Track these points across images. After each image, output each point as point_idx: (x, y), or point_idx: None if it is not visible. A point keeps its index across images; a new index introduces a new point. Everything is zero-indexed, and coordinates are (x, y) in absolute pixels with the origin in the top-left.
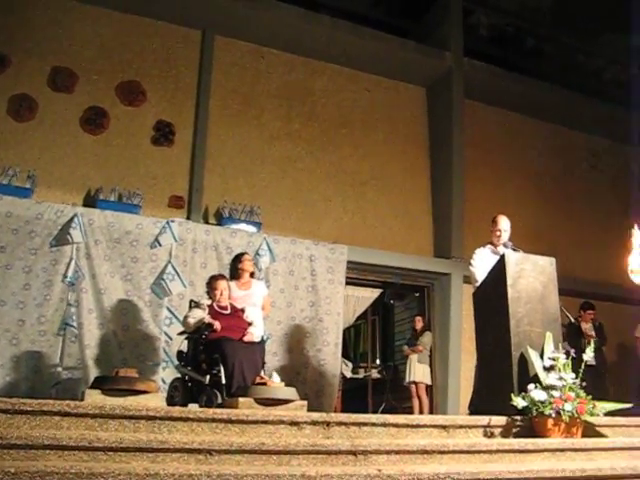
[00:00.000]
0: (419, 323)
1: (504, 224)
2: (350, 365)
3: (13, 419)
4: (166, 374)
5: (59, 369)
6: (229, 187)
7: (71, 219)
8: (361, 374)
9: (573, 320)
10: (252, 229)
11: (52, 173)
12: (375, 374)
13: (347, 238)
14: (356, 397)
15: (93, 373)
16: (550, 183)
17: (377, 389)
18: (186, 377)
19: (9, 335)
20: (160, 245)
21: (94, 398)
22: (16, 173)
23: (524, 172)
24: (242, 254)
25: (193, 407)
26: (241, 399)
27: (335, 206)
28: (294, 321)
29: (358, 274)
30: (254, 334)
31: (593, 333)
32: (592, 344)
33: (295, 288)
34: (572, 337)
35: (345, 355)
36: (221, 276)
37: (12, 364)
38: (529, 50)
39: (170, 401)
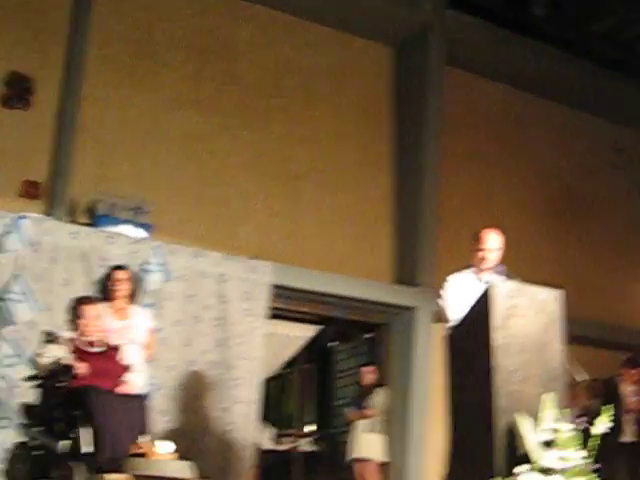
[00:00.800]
0: (369, 376)
1: (493, 242)
2: (271, 432)
3: None
4: (5, 437)
5: None
6: (108, 172)
7: None
8: (286, 445)
9: (582, 377)
10: (139, 233)
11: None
12: (306, 446)
13: (273, 252)
14: (279, 477)
15: None
16: (558, 187)
17: (309, 466)
18: (34, 442)
19: None
20: (3, 251)
21: None
22: None
23: (523, 171)
24: (117, 268)
25: None
26: (113, 477)
27: (258, 207)
28: (193, 367)
29: (287, 304)
30: (133, 383)
31: (635, 400)
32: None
33: (196, 320)
34: (603, 401)
35: (264, 418)
36: (90, 299)
37: None
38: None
39: (10, 477)
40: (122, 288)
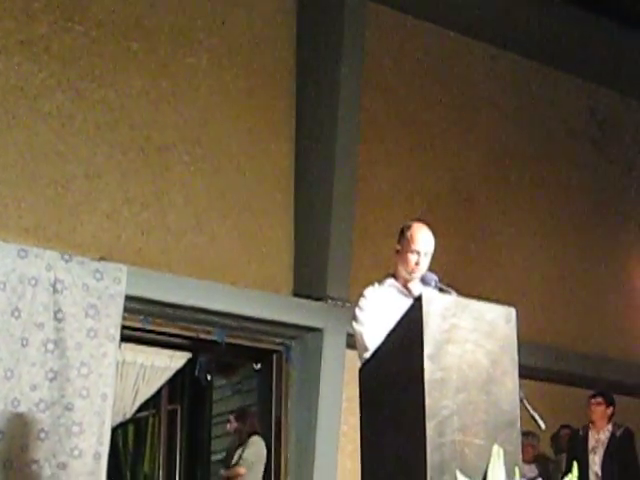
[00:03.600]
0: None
1: (424, 242)
2: None
3: None
4: None
5: None
6: None
7: None
8: None
9: (542, 426)
10: None
11: None
12: None
13: (128, 252)
14: None
15: None
16: (518, 170)
17: None
18: None
19: None
20: None
21: None
22: None
23: (471, 147)
24: None
25: None
26: None
27: (108, 189)
28: (17, 408)
29: (147, 323)
30: None
31: (602, 450)
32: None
33: (22, 343)
34: (573, 454)
35: (114, 477)
36: None
37: None
38: None
39: None
40: None
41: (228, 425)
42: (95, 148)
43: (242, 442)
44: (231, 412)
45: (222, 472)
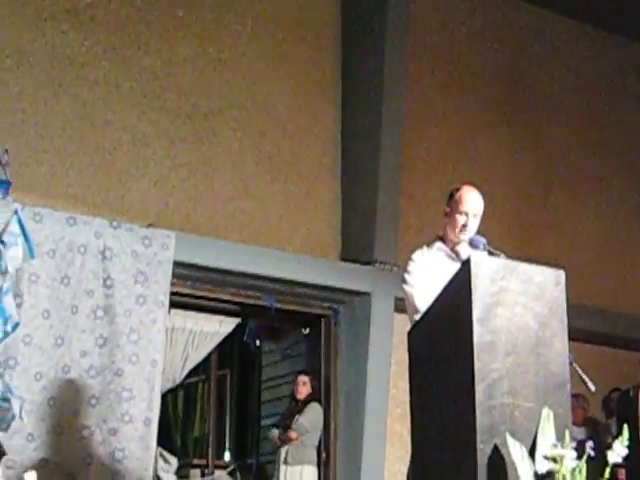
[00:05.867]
0: (303, 388)
1: (473, 203)
2: (174, 462)
3: None
4: None
5: None
6: None
7: None
8: (195, 479)
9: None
10: None
11: None
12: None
13: (177, 219)
14: None
15: None
16: (571, 132)
17: None
18: None
19: None
20: None
21: None
22: None
23: (520, 109)
24: None
25: None
26: None
27: (155, 156)
28: (68, 374)
29: (196, 289)
30: None
31: None
32: None
33: (72, 310)
34: (623, 417)
35: (165, 442)
36: None
37: None
38: None
39: None
40: None
41: (295, 388)
42: (142, 115)
43: (303, 407)
44: (300, 372)
45: (275, 436)
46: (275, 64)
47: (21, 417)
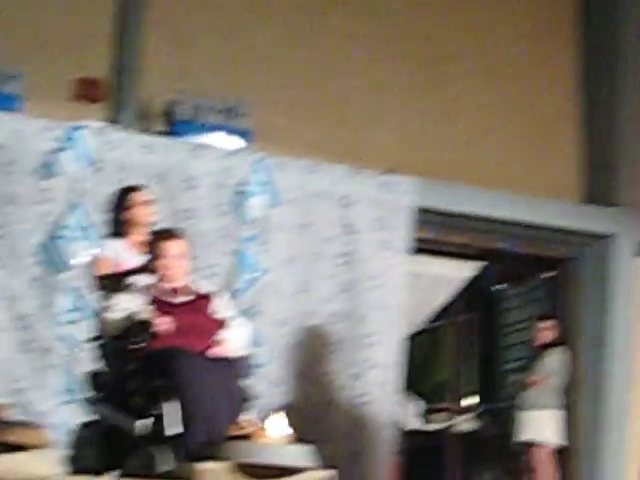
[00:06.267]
0: (547, 332)
1: None
2: (418, 407)
3: None
4: (68, 415)
5: None
6: (190, 63)
7: None
8: (438, 424)
9: None
10: (233, 143)
11: None
12: (464, 424)
13: (415, 164)
14: (428, 466)
15: None
16: None
17: (467, 451)
18: (105, 421)
19: None
20: (58, 173)
21: None
22: None
23: None
24: (133, 189)
25: (116, 478)
26: (204, 465)
27: (393, 103)
28: (311, 320)
29: (437, 233)
30: (232, 343)
31: None
32: None
33: (314, 257)
34: None
35: (408, 387)
36: (172, 233)
37: None
38: None
39: (75, 465)
40: (139, 216)
41: (535, 333)
42: (379, 62)
43: (546, 352)
44: (541, 317)
45: (516, 380)
46: (510, 6)
47: (267, 363)
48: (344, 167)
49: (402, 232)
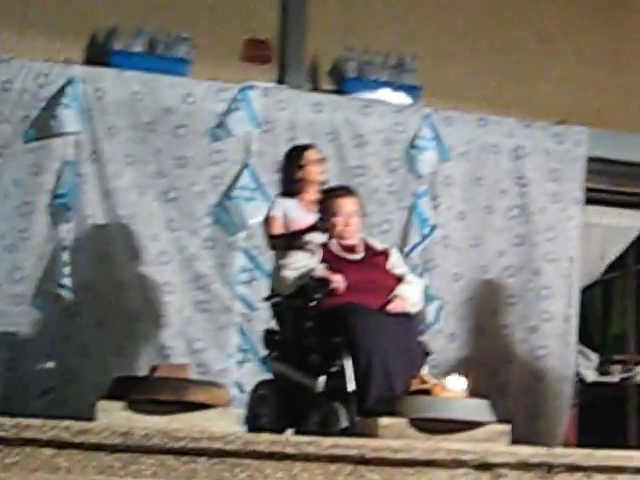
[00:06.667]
0: None
1: None
2: (594, 359)
3: None
4: (245, 374)
5: (50, 364)
6: (357, 19)
7: (62, 89)
8: (616, 376)
9: None
10: (402, 99)
11: (27, 4)
12: None
13: (587, 114)
14: (606, 419)
15: (111, 371)
16: None
17: None
18: (283, 380)
19: None
20: (229, 134)
21: (114, 417)
22: None
23: None
24: (304, 147)
25: (294, 435)
26: (385, 420)
27: (563, 51)
28: (486, 274)
29: (611, 184)
30: (408, 299)
31: None
32: None
33: (487, 211)
34: None
35: (584, 339)
36: (347, 190)
37: None
38: None
39: (253, 423)
40: (312, 175)
41: None
42: (545, 11)
43: None
44: None
45: None
46: None
47: (442, 318)
48: (515, 119)
49: (575, 183)
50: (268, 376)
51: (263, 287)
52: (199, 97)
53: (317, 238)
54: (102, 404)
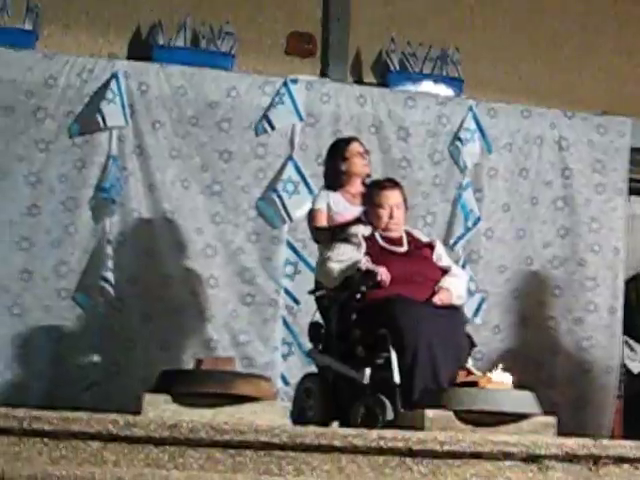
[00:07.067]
0: None
1: None
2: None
3: (20, 445)
4: (290, 367)
5: (95, 358)
6: (398, 11)
7: (106, 84)
8: None
9: None
10: (445, 91)
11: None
12: None
13: (631, 104)
14: None
15: (156, 365)
16: None
17: None
18: (329, 372)
19: (6, 299)
20: (272, 128)
21: (160, 410)
22: (6, 3)
23: None
24: (348, 140)
25: (340, 428)
26: (431, 412)
27: (606, 41)
28: (531, 266)
29: None
30: (453, 291)
31: None
32: None
33: (532, 202)
34: None
35: (629, 332)
36: (393, 182)
37: (14, 350)
38: None
39: (299, 416)
40: (356, 168)
41: None
42: (586, 2)
43: None
44: None
45: None
46: None
47: (488, 310)
48: (558, 110)
49: (619, 174)
50: (313, 369)
51: (308, 280)
52: (243, 91)
53: (362, 230)
54: (148, 398)
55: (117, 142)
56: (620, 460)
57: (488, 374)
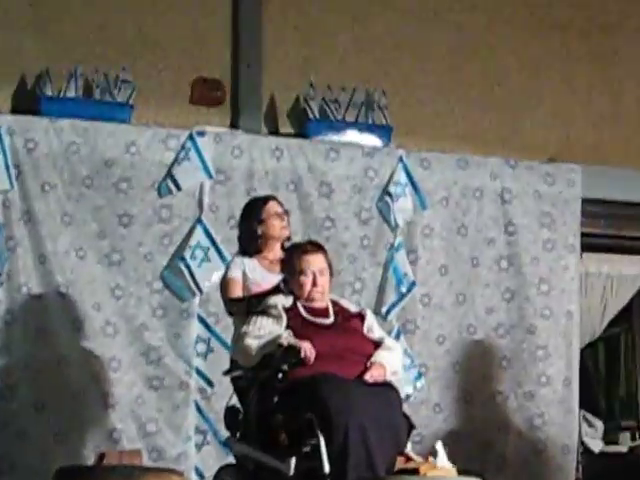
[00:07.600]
0: None
1: None
2: (599, 426)
3: None
4: (205, 458)
5: None
6: (317, 53)
7: None
8: (625, 445)
9: None
10: (372, 140)
11: None
12: None
13: (580, 150)
14: None
15: (53, 460)
16: None
17: None
18: (249, 463)
19: None
20: (178, 187)
21: None
22: None
23: None
24: (265, 199)
25: None
26: None
27: (550, 81)
28: (473, 335)
29: (609, 228)
30: (388, 367)
31: None
32: None
33: (472, 263)
34: None
35: (588, 404)
36: (314, 246)
37: None
38: None
39: None
40: (273, 231)
41: None
42: (530, 37)
43: None
44: None
45: None
46: None
47: (415, 387)
48: (499, 159)
49: (570, 229)
50: (231, 460)
51: (222, 359)
52: (143, 146)
53: (282, 301)
54: None
55: (1, 208)
56: None
57: (430, 459)
